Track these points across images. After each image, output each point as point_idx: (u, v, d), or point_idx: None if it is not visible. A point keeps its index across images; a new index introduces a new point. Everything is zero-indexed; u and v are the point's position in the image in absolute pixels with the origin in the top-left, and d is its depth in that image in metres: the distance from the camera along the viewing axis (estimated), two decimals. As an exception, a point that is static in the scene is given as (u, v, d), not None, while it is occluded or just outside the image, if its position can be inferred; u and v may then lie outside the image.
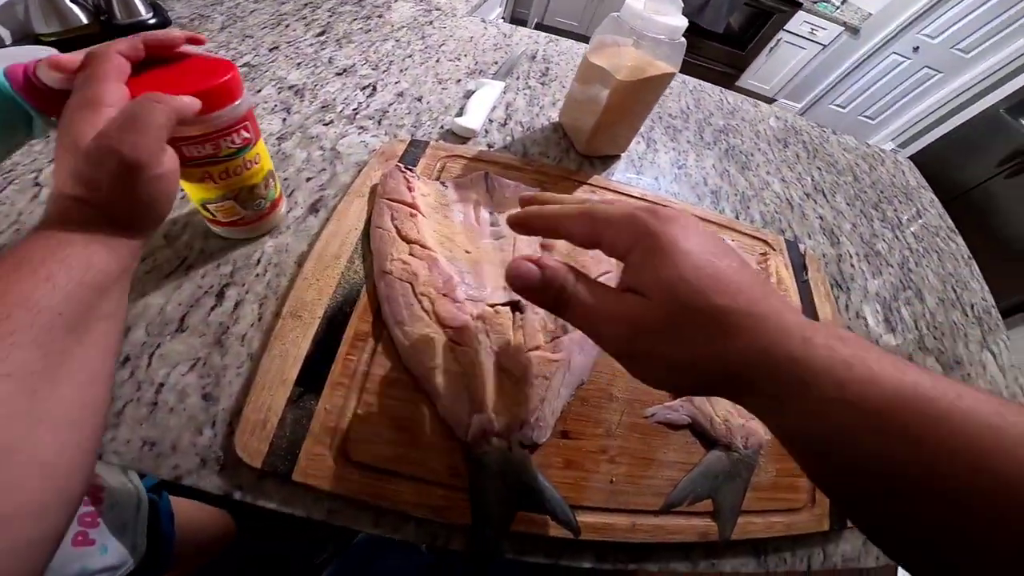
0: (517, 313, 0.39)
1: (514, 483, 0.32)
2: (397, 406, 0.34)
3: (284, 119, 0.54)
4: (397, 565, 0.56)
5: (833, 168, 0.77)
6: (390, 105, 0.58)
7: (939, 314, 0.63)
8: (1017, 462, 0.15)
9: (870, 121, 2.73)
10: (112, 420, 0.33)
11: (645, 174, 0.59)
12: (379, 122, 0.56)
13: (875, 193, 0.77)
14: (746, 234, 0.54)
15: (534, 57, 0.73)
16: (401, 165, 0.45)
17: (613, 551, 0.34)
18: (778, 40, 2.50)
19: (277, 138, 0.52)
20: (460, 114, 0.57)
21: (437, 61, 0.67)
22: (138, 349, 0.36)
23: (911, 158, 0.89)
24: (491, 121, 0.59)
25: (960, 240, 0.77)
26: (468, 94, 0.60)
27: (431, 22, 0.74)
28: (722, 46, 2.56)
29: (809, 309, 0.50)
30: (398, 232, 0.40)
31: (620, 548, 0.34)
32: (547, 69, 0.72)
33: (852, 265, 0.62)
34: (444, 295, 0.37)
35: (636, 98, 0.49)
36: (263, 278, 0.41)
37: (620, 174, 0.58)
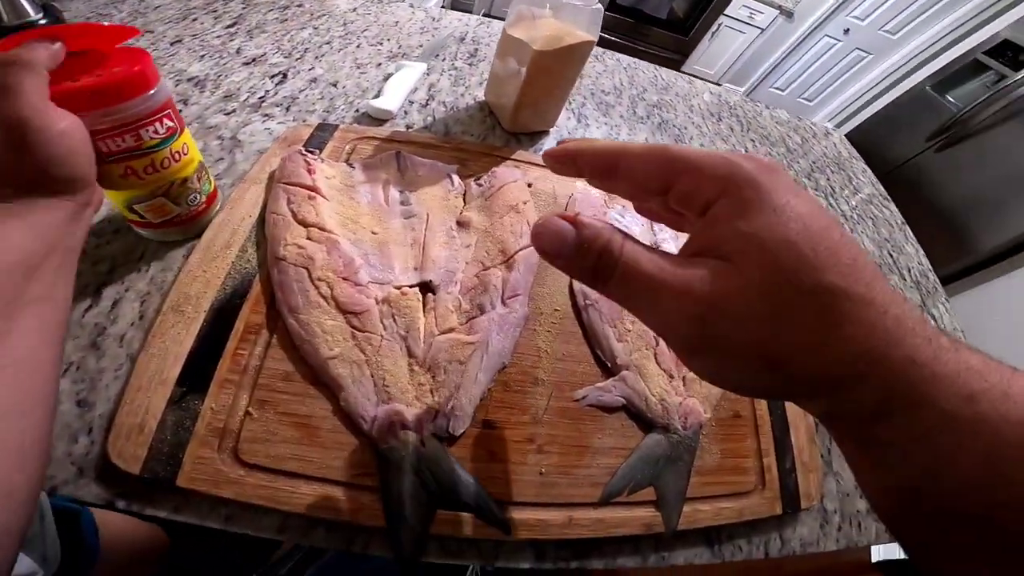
0: (429, 294, 0.36)
1: (430, 480, 0.29)
2: (293, 401, 0.31)
3: (180, 110, 0.49)
4: (376, 566, 0.52)
5: (766, 140, 0.77)
6: (301, 91, 0.54)
7: (876, 278, 0.63)
8: None
9: (808, 103, 2.83)
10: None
11: (575, 150, 0.58)
12: (287, 109, 0.52)
13: (808, 163, 0.78)
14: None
15: (463, 39, 0.71)
16: (302, 148, 0.42)
17: (554, 549, 0.32)
18: (719, 24, 2.55)
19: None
20: (377, 97, 0.54)
21: (357, 47, 0.63)
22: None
23: (847, 136, 0.91)
24: (411, 103, 0.56)
25: (893, 207, 0.78)
26: (387, 77, 0.57)
27: (355, 9, 0.71)
28: (666, 32, 2.59)
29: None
30: (294, 216, 0.37)
31: (561, 545, 0.31)
32: (476, 50, 0.69)
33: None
34: (344, 279, 0.34)
35: (556, 69, 0.47)
36: (146, 274, 0.37)
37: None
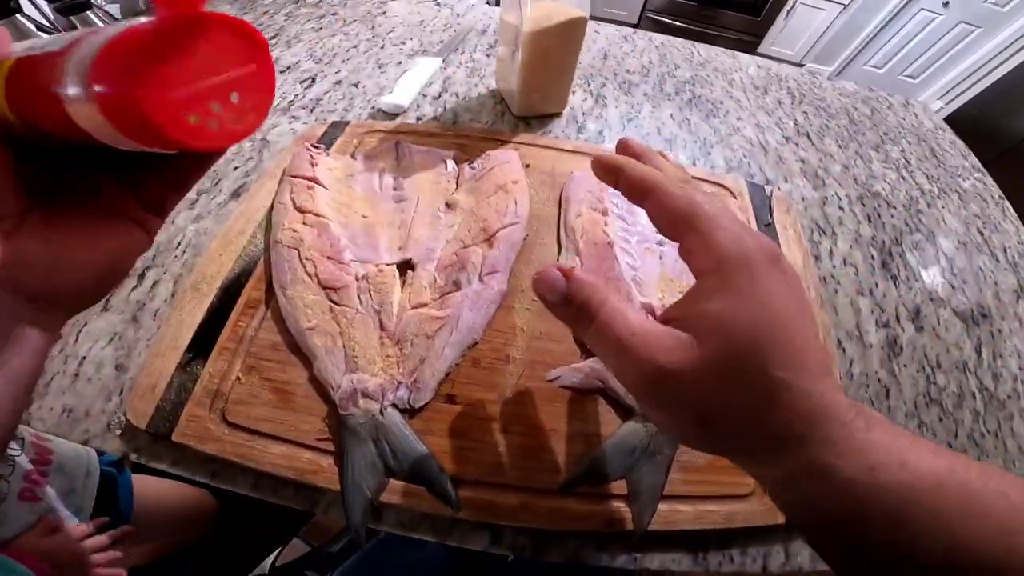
0: (409, 272, 0.37)
1: (385, 449, 0.30)
2: (276, 368, 0.34)
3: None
4: (418, 559, 0.53)
5: (823, 112, 0.69)
6: (325, 94, 0.59)
7: (959, 259, 0.55)
8: None
9: (911, 80, 2.47)
10: (42, 391, 0.35)
11: (588, 129, 0.56)
12: (311, 110, 0.56)
13: (877, 135, 0.68)
14: (694, 177, 0.49)
15: (484, 31, 0.72)
16: (309, 144, 0.45)
17: (511, 534, 0.31)
18: (794, 3, 2.33)
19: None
20: (390, 93, 0.56)
21: (381, 47, 0.67)
22: (69, 328, 0.38)
23: (958, 112, 0.79)
24: (424, 96, 0.58)
25: (990, 181, 0.66)
26: (404, 74, 0.60)
27: (383, 12, 0.75)
28: (736, 13, 2.41)
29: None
30: (294, 204, 0.40)
31: (519, 531, 0.31)
32: (496, 42, 0.70)
33: (840, 208, 0.55)
34: (329, 258, 0.36)
35: (552, 50, 0.47)
36: (181, 259, 0.43)
37: (559, 131, 0.55)
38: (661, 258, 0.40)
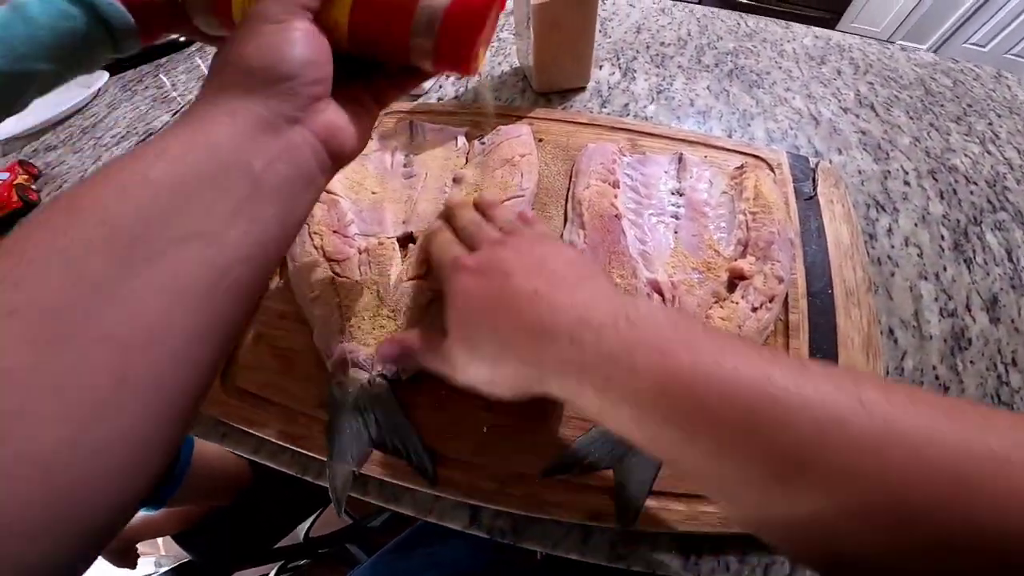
0: (410, 245, 0.37)
1: (370, 420, 0.30)
2: (281, 337, 0.35)
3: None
4: (445, 556, 0.53)
5: (893, 83, 0.61)
6: (354, 78, 0.60)
7: (1053, 241, 0.47)
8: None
9: (1020, 59, 2.14)
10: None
11: (613, 103, 0.53)
12: (340, 94, 0.58)
13: (959, 107, 0.60)
14: (722, 148, 0.45)
15: (511, 12, 0.71)
16: (329, 121, 0.46)
17: (490, 516, 0.30)
18: None
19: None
20: (415, 74, 0.57)
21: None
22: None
23: None
24: (447, 76, 0.58)
25: (1097, 154, 0.56)
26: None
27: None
28: None
29: (812, 229, 0.41)
30: (308, 179, 0.41)
31: (498, 515, 0.30)
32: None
33: (906, 183, 0.49)
34: (335, 232, 0.37)
35: (563, 22, 0.45)
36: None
37: (581, 105, 0.53)
38: (676, 232, 0.37)
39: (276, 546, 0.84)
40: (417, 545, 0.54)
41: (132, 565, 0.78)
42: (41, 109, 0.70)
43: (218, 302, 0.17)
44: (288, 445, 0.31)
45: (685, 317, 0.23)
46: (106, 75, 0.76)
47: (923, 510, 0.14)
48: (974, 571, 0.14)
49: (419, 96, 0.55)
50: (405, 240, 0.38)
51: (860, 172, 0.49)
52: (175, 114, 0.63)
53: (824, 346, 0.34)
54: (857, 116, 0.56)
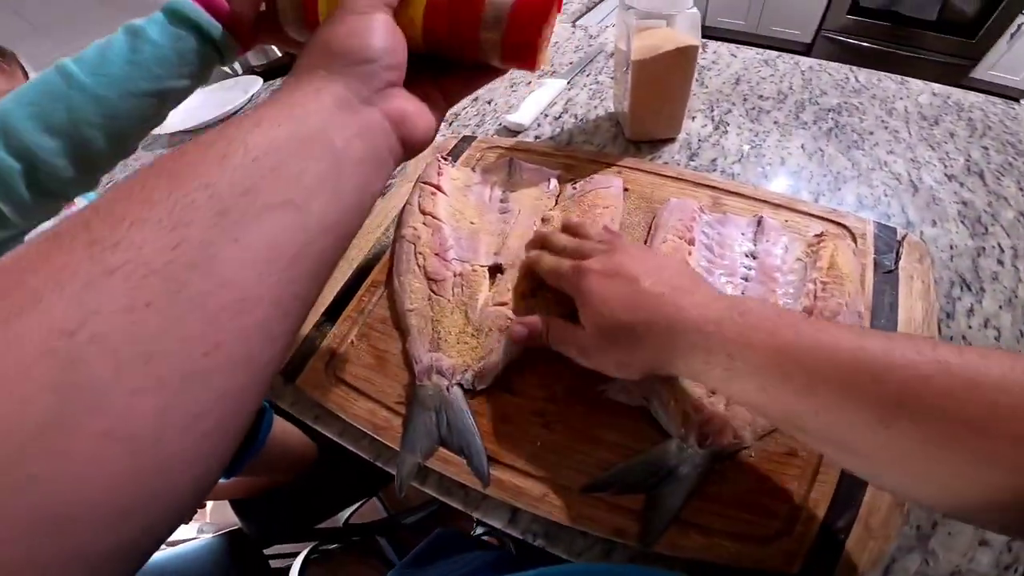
0: (499, 275, 0.43)
1: (443, 420, 0.36)
2: (380, 339, 0.42)
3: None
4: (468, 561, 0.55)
5: (1011, 148, 0.57)
6: (463, 109, 0.67)
7: None
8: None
9: None
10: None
11: (701, 156, 0.56)
12: (450, 124, 0.65)
13: (1091, 179, 0.55)
14: (805, 213, 0.46)
15: (612, 55, 0.75)
16: (440, 155, 0.53)
17: (527, 520, 0.34)
18: (1020, 25, 1.86)
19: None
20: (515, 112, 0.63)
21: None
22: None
23: None
24: (545, 116, 0.63)
25: None
26: (530, 94, 0.66)
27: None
28: (942, 35, 2.01)
29: (885, 304, 0.40)
30: (419, 206, 0.48)
31: (535, 519, 0.33)
32: (626, 65, 0.72)
33: (999, 262, 0.46)
34: (436, 255, 0.44)
35: (661, 77, 0.48)
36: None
37: (669, 157, 0.56)
38: (743, 294, 0.39)
39: (317, 527, 0.90)
40: (431, 561, 0.57)
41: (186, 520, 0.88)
42: (205, 109, 0.85)
43: (301, 271, 0.17)
44: (369, 432, 0.37)
45: (785, 310, 0.28)
46: (260, 81, 0.90)
47: (999, 442, 0.19)
48: None
49: (518, 133, 0.61)
50: (494, 270, 0.43)
51: (952, 247, 0.47)
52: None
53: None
54: (962, 184, 0.53)
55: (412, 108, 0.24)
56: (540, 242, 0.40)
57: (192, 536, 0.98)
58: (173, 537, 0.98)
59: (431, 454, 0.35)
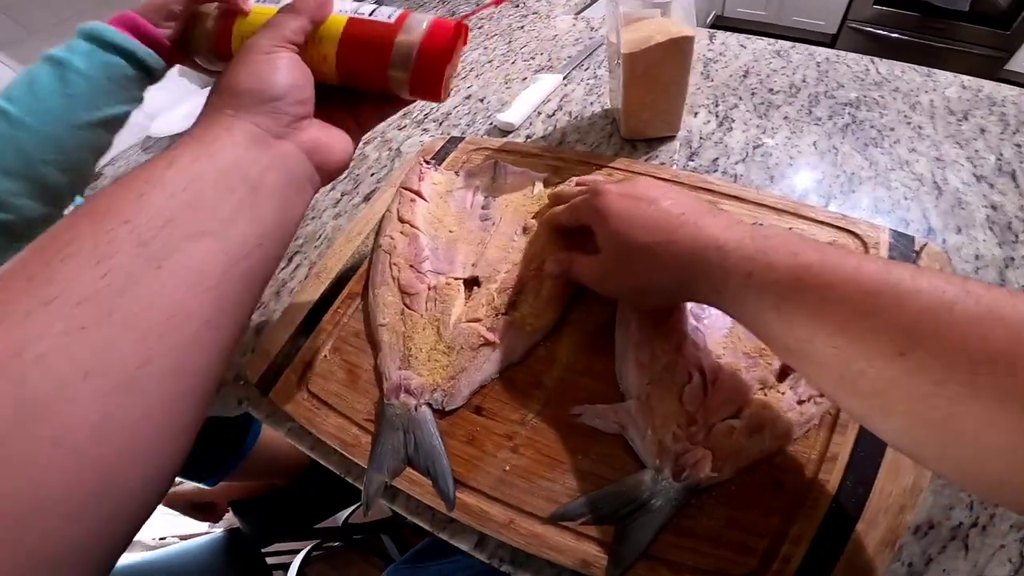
0: (475, 288, 0.41)
1: (410, 440, 0.34)
2: (353, 353, 0.40)
3: (373, 127, 0.66)
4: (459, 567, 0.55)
5: (1050, 143, 0.52)
6: (455, 108, 0.65)
7: None
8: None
9: None
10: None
11: (702, 156, 0.52)
12: (440, 123, 0.63)
13: None
14: (812, 219, 0.42)
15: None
16: (424, 158, 0.51)
17: (494, 546, 0.32)
18: None
19: (363, 143, 0.64)
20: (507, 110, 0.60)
21: (512, 63, 0.71)
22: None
23: None
24: (538, 113, 0.60)
25: None
26: (524, 91, 0.63)
27: (523, 27, 0.79)
28: (976, 26, 1.88)
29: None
30: (397, 214, 0.46)
31: (501, 545, 0.32)
32: (628, 57, 0.69)
33: (1031, 275, 0.42)
34: (411, 266, 0.42)
35: (654, 71, 0.44)
36: (318, 249, 0.53)
37: (667, 156, 0.52)
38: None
39: (316, 526, 0.91)
40: (431, 558, 0.58)
41: (216, 519, 0.91)
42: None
43: (228, 290, 0.19)
44: (338, 449, 0.36)
45: (810, 238, 0.26)
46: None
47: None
48: None
49: (508, 133, 0.59)
50: (470, 282, 0.41)
51: (977, 257, 0.43)
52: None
53: (871, 449, 0.31)
54: (991, 186, 0.48)
55: (325, 137, 0.26)
56: (555, 199, 0.42)
57: (201, 531, 1.00)
58: (186, 531, 1.01)
59: (398, 474, 0.34)
